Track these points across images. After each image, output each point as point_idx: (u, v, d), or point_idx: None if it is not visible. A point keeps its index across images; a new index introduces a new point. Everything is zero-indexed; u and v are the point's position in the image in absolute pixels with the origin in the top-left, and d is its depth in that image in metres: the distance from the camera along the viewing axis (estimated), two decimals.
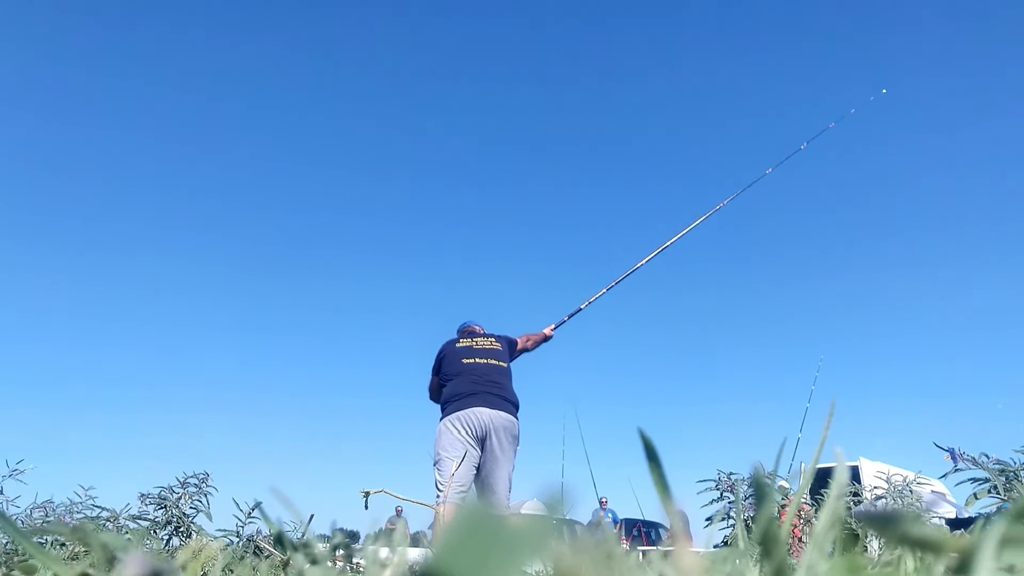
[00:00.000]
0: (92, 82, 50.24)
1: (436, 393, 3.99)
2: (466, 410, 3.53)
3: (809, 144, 5.54)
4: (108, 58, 51.50)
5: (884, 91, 6.57)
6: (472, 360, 3.77)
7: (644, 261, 4.72)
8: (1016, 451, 2.59)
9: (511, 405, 3.69)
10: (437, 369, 3.93)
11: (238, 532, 3.48)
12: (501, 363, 3.85)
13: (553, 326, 4.37)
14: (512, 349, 4.08)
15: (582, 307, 4.49)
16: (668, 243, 4.81)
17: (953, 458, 2.59)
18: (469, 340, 3.92)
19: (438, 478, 3.51)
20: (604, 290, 4.58)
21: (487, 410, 3.54)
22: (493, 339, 3.98)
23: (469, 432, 3.51)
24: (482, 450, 3.55)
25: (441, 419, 3.65)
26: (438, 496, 3.43)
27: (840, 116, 6.01)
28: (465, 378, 3.68)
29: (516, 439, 3.65)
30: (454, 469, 3.37)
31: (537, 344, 4.28)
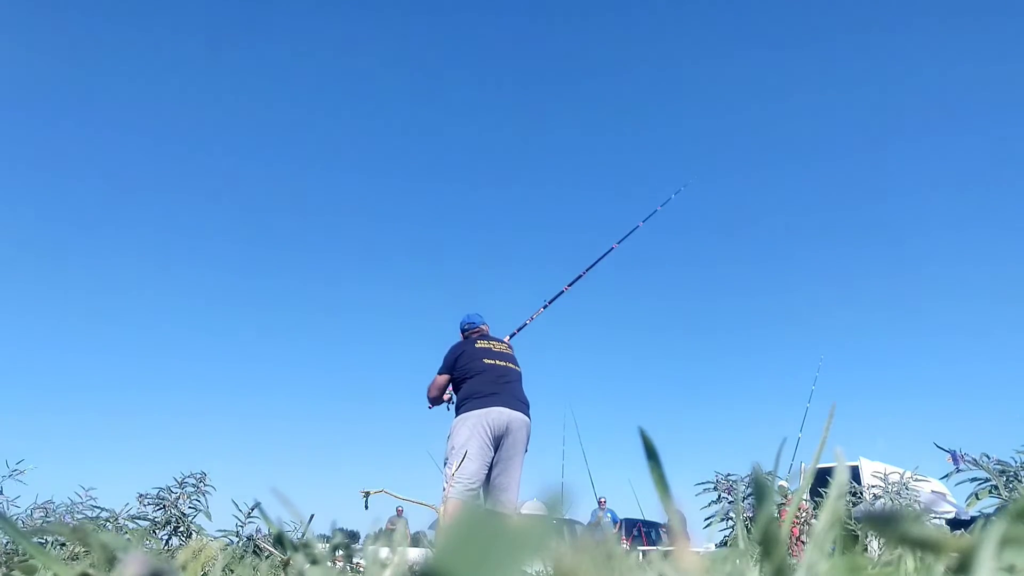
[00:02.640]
0: (91, 82, 50.21)
1: (440, 391, 3.96)
2: (487, 409, 3.54)
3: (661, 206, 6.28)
4: (107, 57, 51.47)
5: (687, 184, 7.15)
6: (492, 361, 3.79)
7: (569, 285, 5.19)
8: (1017, 451, 2.59)
9: (527, 408, 3.73)
10: (451, 367, 3.89)
11: (238, 532, 3.47)
12: (517, 367, 3.91)
13: (507, 337, 4.44)
14: None
15: (527, 322, 4.78)
16: (582, 273, 5.31)
17: (954, 460, 2.59)
18: (486, 342, 3.94)
19: (448, 472, 3.48)
20: (541, 308, 4.96)
21: (507, 411, 3.56)
22: (507, 344, 4.05)
23: (487, 431, 3.50)
24: (497, 450, 3.55)
25: (458, 415, 3.64)
26: (445, 488, 3.40)
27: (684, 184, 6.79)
28: (486, 377, 3.69)
29: (528, 441, 3.68)
30: (456, 465, 3.36)
31: None
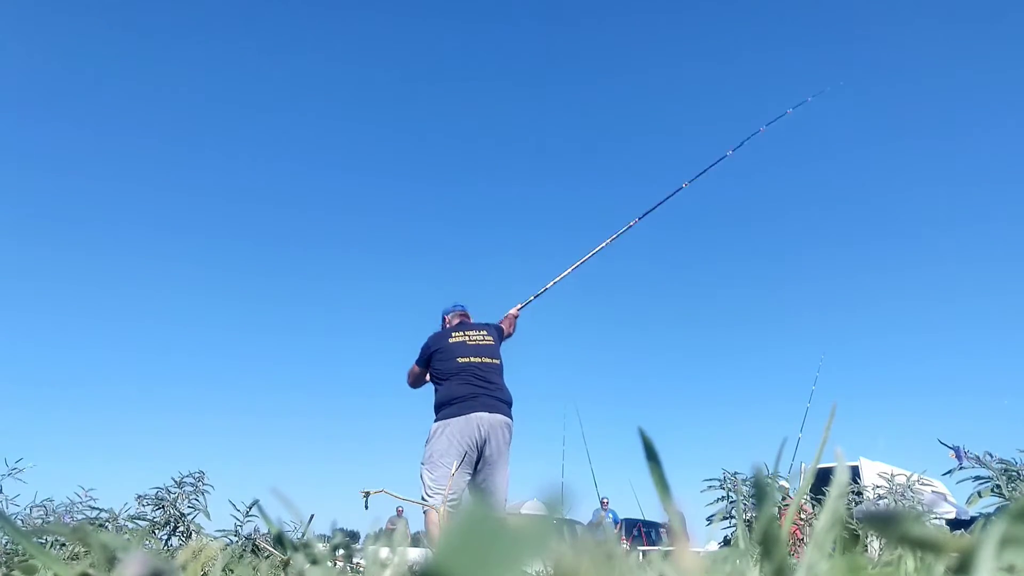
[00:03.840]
0: (90, 81, 50.25)
1: (417, 379, 3.93)
2: (465, 416, 3.46)
3: (767, 127, 5.57)
4: (108, 56, 51.51)
5: (840, 83, 6.47)
6: (467, 359, 3.65)
7: (606, 243, 4.72)
8: (1020, 450, 2.58)
9: (507, 406, 3.64)
10: (425, 361, 3.81)
11: (237, 531, 3.47)
12: (495, 360, 3.76)
13: (520, 305, 4.28)
14: (500, 338, 3.99)
15: (547, 287, 4.46)
16: (630, 224, 4.82)
17: (958, 456, 2.57)
18: (461, 334, 3.78)
19: (427, 480, 3.44)
20: (568, 270, 4.56)
21: (486, 415, 3.48)
22: (484, 332, 3.85)
23: (467, 440, 3.43)
24: (480, 455, 3.49)
25: (437, 420, 3.56)
26: (425, 497, 3.39)
27: (797, 102, 5.98)
28: (461, 379, 3.59)
29: (511, 440, 3.61)
30: (453, 472, 3.34)
31: (513, 326, 4.19)
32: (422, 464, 3.51)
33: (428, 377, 3.86)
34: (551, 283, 4.47)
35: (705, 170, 5.22)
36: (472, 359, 3.66)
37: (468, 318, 4.05)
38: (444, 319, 4.08)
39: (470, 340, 3.76)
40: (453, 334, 3.79)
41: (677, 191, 5.05)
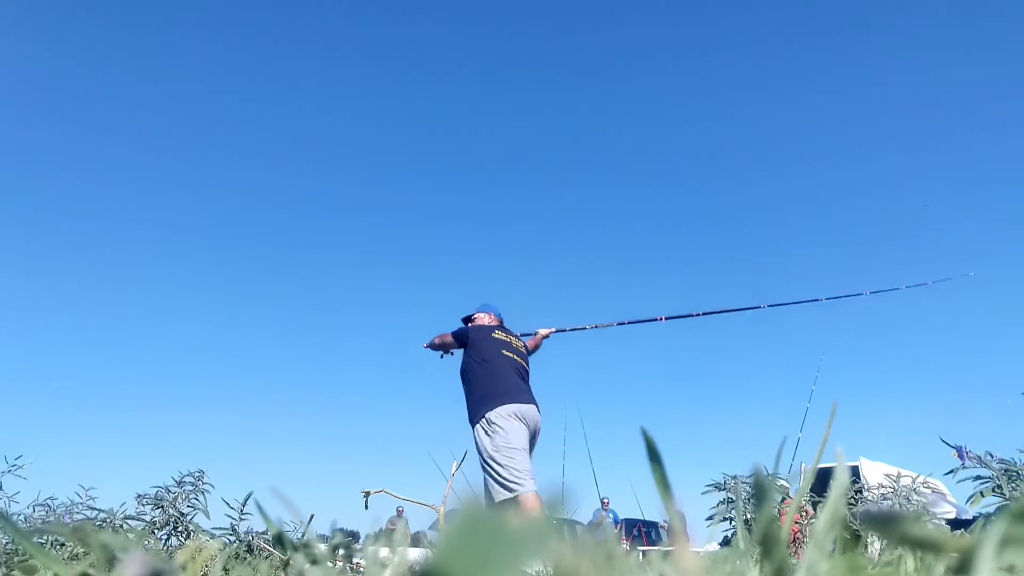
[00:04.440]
0: (92, 80, 50.25)
1: (443, 347, 3.96)
2: (522, 405, 3.50)
3: (906, 288, 5.37)
4: (108, 56, 51.52)
5: (972, 273, 5.89)
6: (511, 356, 3.74)
7: (661, 318, 4.67)
8: (1020, 450, 2.58)
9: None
10: (464, 339, 3.82)
11: (235, 531, 3.47)
12: (528, 367, 3.87)
13: (553, 329, 4.33)
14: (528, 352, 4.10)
15: (587, 327, 4.51)
16: (692, 314, 4.75)
17: (960, 456, 2.58)
18: (504, 335, 3.86)
19: (509, 469, 3.26)
20: (615, 323, 4.60)
21: (533, 409, 3.55)
22: (522, 343, 3.98)
23: (528, 424, 3.47)
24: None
25: (494, 408, 3.42)
26: (512, 488, 3.23)
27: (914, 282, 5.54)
28: (510, 372, 3.64)
29: None
30: (508, 461, 3.29)
31: (539, 346, 4.32)
32: (495, 452, 3.31)
33: (462, 352, 3.84)
34: (591, 326, 4.49)
35: (788, 303, 5.12)
36: (515, 358, 3.76)
37: (502, 323, 4.13)
38: (479, 315, 4.11)
39: (512, 343, 3.87)
40: (496, 331, 3.89)
41: (753, 307, 4.94)
